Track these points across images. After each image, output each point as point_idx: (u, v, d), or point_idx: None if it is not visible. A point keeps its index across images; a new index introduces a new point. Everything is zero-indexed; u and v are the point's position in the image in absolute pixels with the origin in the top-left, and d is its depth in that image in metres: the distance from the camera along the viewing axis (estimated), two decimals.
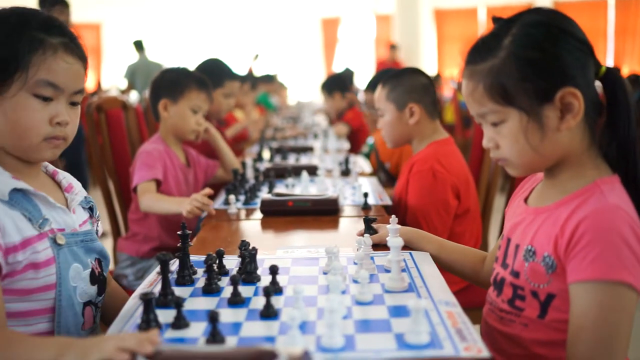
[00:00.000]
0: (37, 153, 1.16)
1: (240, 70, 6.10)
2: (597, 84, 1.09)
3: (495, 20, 1.13)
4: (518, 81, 1.05)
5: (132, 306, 1.13)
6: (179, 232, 1.31)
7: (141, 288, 1.23)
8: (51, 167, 1.29)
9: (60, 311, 1.14)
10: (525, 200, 1.22)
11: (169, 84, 2.34)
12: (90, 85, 9.96)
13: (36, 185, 1.17)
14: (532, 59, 1.04)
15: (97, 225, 1.34)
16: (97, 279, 1.24)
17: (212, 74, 2.80)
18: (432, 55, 13.29)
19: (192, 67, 2.59)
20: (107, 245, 1.76)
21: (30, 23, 1.12)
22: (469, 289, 1.95)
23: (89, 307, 1.22)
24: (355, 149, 4.23)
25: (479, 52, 1.11)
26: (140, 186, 2.13)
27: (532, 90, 1.04)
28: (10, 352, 0.95)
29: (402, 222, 1.38)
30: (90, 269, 1.22)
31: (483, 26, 11.83)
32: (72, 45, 1.15)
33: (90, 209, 1.32)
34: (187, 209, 1.80)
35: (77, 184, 1.31)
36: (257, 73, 7.92)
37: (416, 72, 2.19)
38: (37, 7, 4.27)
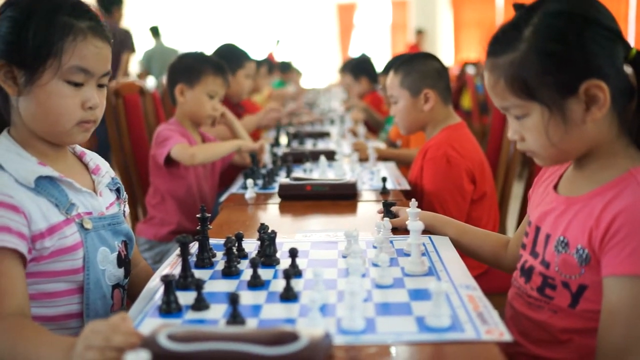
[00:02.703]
0: (68, 137, 1.17)
1: (260, 56, 6.08)
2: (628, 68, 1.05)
3: (517, 7, 1.08)
4: (539, 75, 1.01)
5: (152, 288, 1.13)
6: (198, 215, 1.31)
7: (161, 270, 1.23)
8: (79, 149, 1.29)
9: (88, 294, 1.15)
10: (555, 187, 1.18)
11: (186, 68, 2.34)
12: None
13: (63, 168, 1.18)
14: (553, 52, 1.00)
15: (124, 207, 1.34)
16: (123, 261, 1.24)
17: (231, 56, 2.80)
18: (449, 41, 13.17)
19: (208, 54, 2.58)
20: None
21: (61, 8, 1.11)
22: (488, 275, 1.94)
23: (117, 290, 1.23)
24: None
25: (499, 43, 1.07)
26: (175, 148, 2.12)
27: (555, 83, 1.01)
28: (15, 342, 0.94)
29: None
30: (117, 252, 1.23)
31: (501, 11, 11.66)
32: (98, 28, 1.15)
33: (117, 191, 1.32)
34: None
35: (104, 165, 1.31)
36: (278, 59, 7.89)
37: (429, 57, 2.16)
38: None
